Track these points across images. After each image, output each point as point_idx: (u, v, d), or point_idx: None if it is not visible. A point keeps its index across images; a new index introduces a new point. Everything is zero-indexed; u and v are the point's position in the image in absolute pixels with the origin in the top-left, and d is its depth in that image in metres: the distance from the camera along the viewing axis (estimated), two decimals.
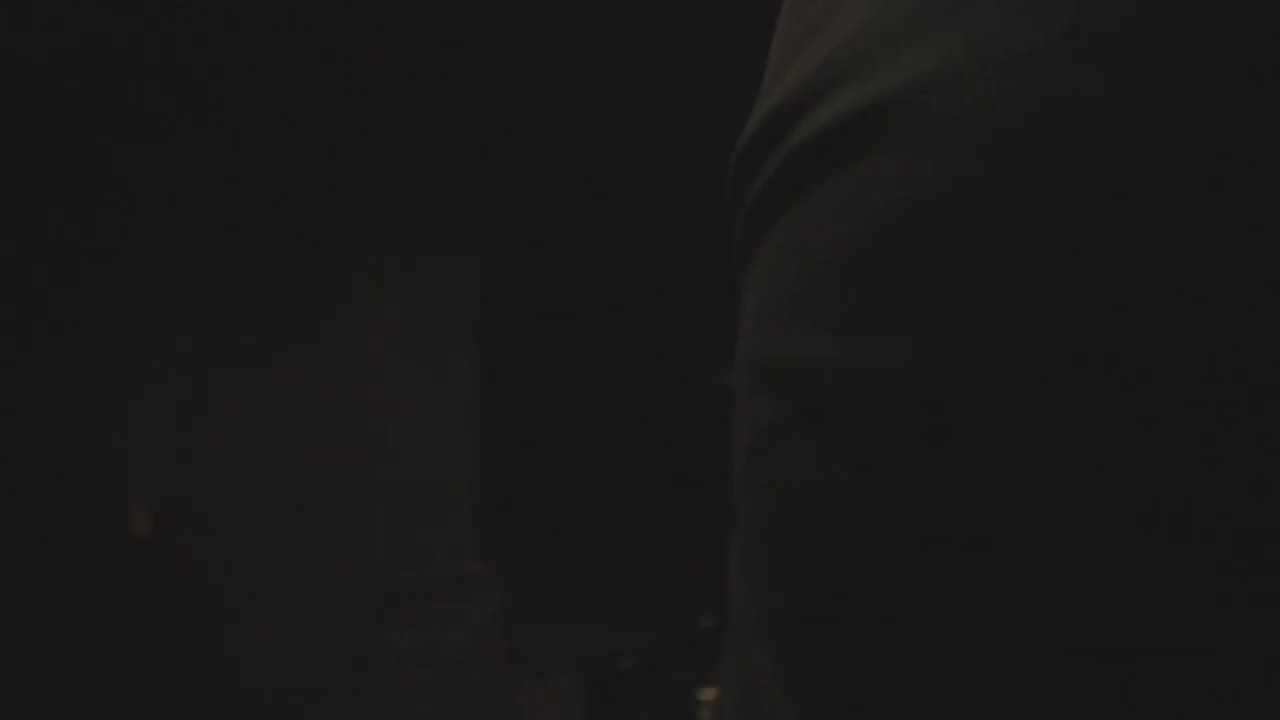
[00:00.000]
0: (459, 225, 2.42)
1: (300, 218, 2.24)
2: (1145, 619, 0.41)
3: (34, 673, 1.99)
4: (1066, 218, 0.42)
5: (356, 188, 2.28)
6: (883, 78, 0.48)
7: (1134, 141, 0.42)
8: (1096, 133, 0.42)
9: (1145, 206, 0.41)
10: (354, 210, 2.26)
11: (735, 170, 0.56)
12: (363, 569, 2.06)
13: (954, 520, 0.43)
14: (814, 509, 0.48)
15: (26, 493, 2.04)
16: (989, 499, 0.43)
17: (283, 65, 2.21)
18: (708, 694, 1.99)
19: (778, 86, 0.54)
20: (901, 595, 0.45)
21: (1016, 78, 0.44)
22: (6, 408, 2.09)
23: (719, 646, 1.92)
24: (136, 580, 1.99)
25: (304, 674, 1.98)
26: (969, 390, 0.43)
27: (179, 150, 2.14)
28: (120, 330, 2.11)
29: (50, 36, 2.08)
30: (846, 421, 0.47)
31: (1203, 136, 0.41)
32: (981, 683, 0.43)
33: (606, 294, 2.57)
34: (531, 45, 2.40)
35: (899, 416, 0.45)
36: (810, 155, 0.50)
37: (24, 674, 1.99)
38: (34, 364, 2.08)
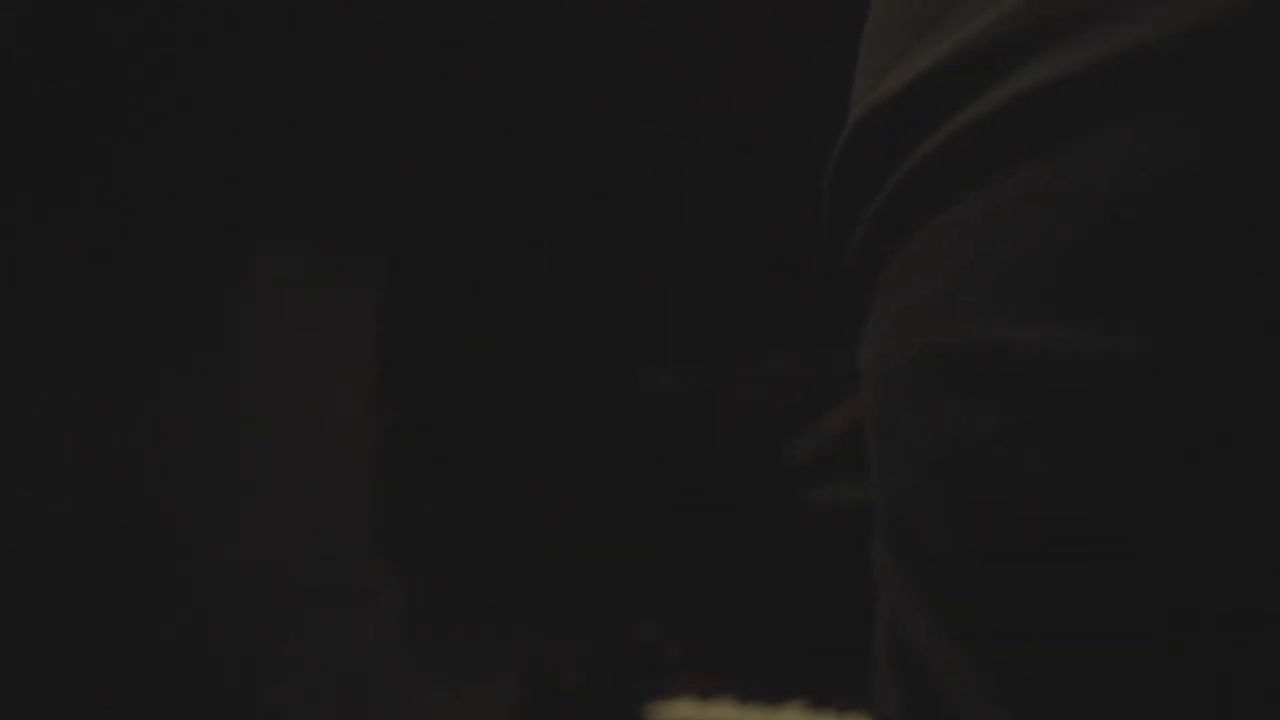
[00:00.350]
0: (361, 194, 2.27)
1: (171, 180, 2.10)
2: None
3: None
4: None
5: (241, 154, 2.13)
6: (1147, 22, 0.41)
7: None
8: None
9: None
10: (240, 179, 2.11)
11: (854, 152, 0.51)
12: (252, 572, 1.91)
13: (1252, 534, 0.38)
14: (1057, 525, 0.42)
15: None
16: None
17: (165, 26, 2.11)
18: (657, 713, 1.88)
19: (920, 50, 0.48)
20: (1175, 619, 0.39)
21: None
22: None
23: (662, 660, 1.90)
24: None
25: (190, 686, 1.87)
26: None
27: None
28: None
29: None
30: (1107, 424, 0.41)
31: None
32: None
33: (532, 282, 2.48)
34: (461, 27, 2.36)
35: (1180, 418, 0.39)
36: (1015, 122, 0.44)
37: None
38: None
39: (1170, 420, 0.39)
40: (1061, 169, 0.42)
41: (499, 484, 2.33)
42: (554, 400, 2.33)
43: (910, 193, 0.48)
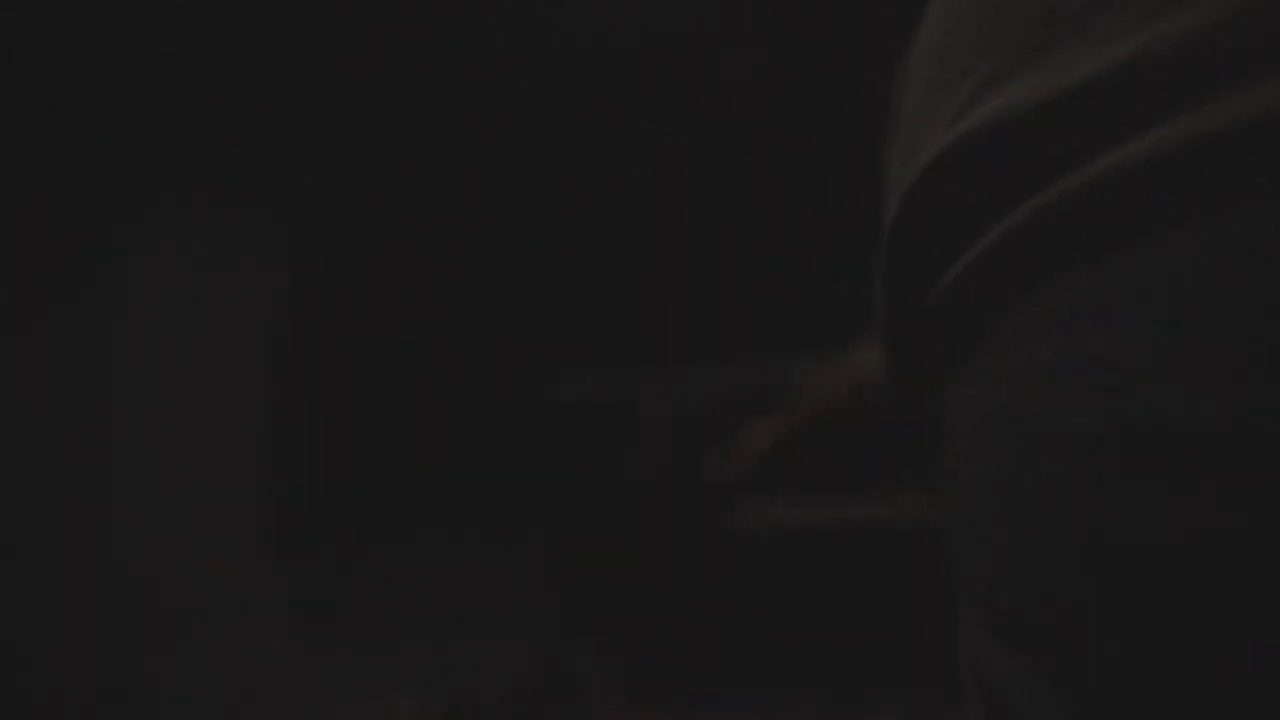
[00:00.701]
0: (253, 203, 2.17)
1: (52, 174, 1.97)
2: None
3: None
4: None
5: (120, 150, 2.05)
6: None
7: None
8: None
9: None
10: (119, 175, 2.00)
11: (953, 172, 0.45)
12: (133, 589, 1.86)
13: None
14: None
15: None
16: None
17: (51, 22, 2.04)
18: None
19: (1051, 63, 0.42)
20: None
21: None
22: None
23: (568, 684, 1.86)
24: None
25: (70, 699, 1.77)
26: None
27: None
28: None
29: None
30: None
31: None
32: None
33: (434, 293, 2.38)
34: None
35: None
36: (1220, 159, 0.37)
37: None
38: None
39: None
40: (1241, 233, 0.37)
41: (404, 499, 2.21)
42: (461, 411, 2.24)
43: (1050, 231, 0.42)
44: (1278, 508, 0.35)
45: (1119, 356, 0.40)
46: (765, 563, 1.61)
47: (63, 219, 1.92)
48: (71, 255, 1.95)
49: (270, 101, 2.22)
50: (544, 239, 2.29)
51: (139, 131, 2.03)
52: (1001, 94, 0.43)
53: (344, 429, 2.21)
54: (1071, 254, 0.41)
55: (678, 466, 1.69)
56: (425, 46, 2.46)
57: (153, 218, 2.01)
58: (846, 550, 1.62)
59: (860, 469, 1.62)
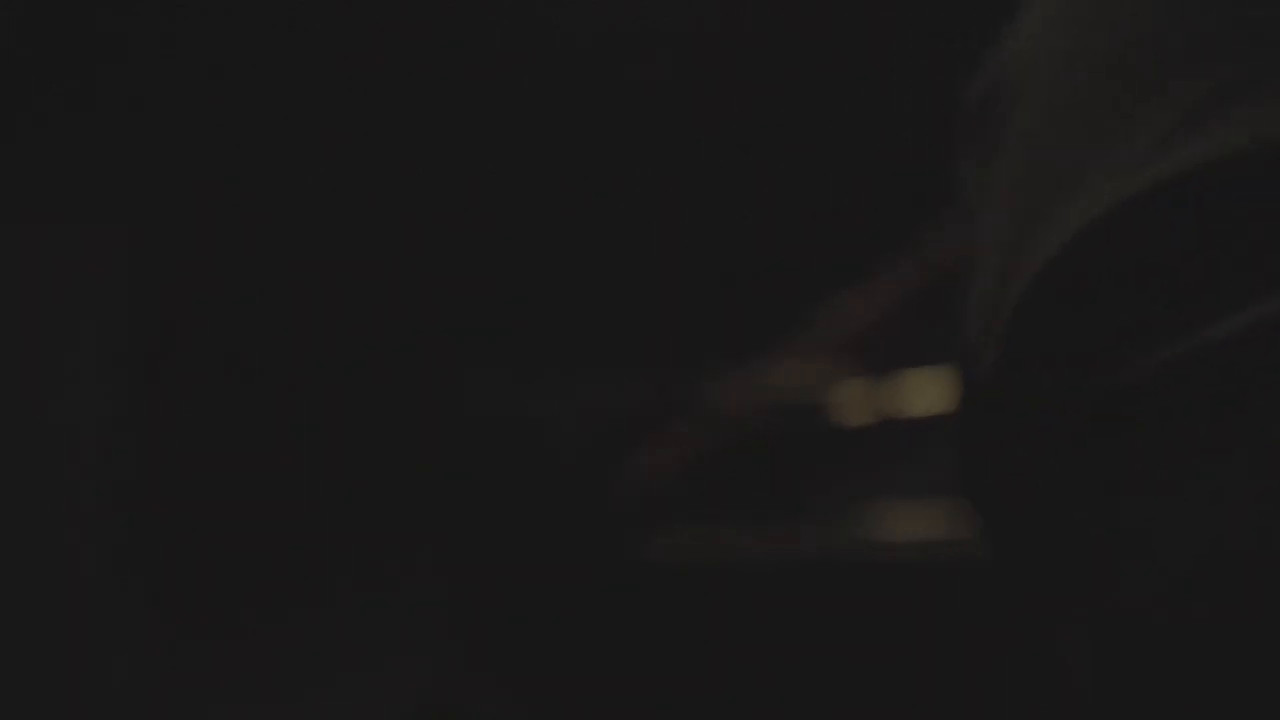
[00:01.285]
0: (96, 210, 2.05)
1: None
2: None
3: None
4: None
5: None
6: None
7: None
8: None
9: None
10: None
11: (1122, 236, 0.35)
12: None
13: None
14: None
15: None
16: None
17: None
18: None
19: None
20: None
21: None
22: None
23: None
24: None
25: None
26: None
27: None
28: None
29: None
30: None
31: None
32: None
33: (321, 272, 2.19)
34: None
35: None
36: None
37: None
38: None
39: None
40: None
41: (279, 521, 2.04)
42: (343, 423, 2.08)
43: None
44: None
45: None
46: (675, 598, 1.52)
47: None
48: None
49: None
50: (423, 235, 2.17)
51: None
52: (1256, 109, 0.33)
53: (216, 441, 2.07)
54: None
55: (581, 488, 1.61)
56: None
57: None
58: (766, 585, 1.54)
59: (778, 497, 1.53)
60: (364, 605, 1.99)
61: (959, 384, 0.43)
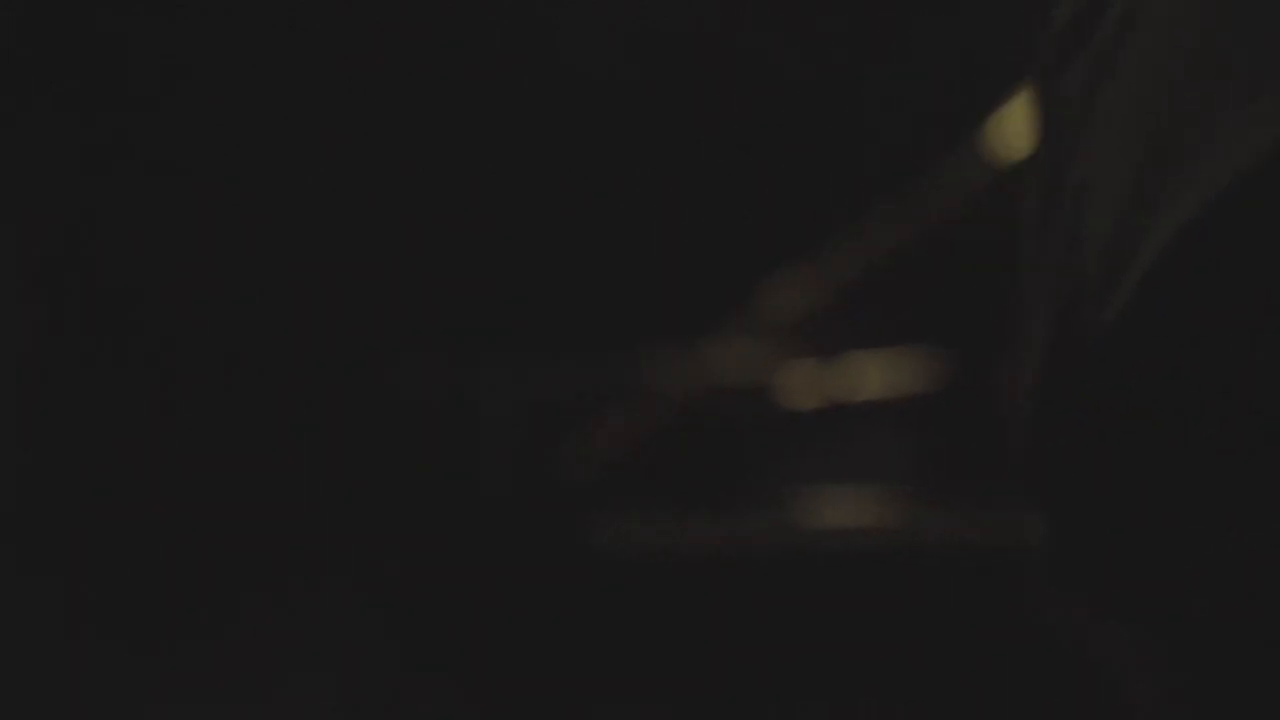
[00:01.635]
0: None
1: None
2: None
3: None
4: None
5: None
6: None
7: None
8: None
9: None
10: None
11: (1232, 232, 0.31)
12: None
13: None
14: None
15: None
16: None
17: None
18: None
19: None
20: None
21: None
22: None
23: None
24: None
25: None
26: None
27: None
28: None
29: None
30: None
31: None
32: None
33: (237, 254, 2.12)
34: None
35: None
36: None
37: None
38: None
39: None
40: None
41: (207, 511, 1.95)
42: (271, 402, 1.99)
43: None
44: None
45: None
46: (620, 587, 1.50)
47: None
48: None
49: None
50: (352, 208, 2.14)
51: None
52: None
53: (131, 418, 2.01)
54: None
55: (521, 473, 1.59)
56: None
57: None
58: (709, 571, 1.51)
59: (721, 481, 1.51)
60: (306, 604, 1.91)
61: (1046, 335, 0.36)
